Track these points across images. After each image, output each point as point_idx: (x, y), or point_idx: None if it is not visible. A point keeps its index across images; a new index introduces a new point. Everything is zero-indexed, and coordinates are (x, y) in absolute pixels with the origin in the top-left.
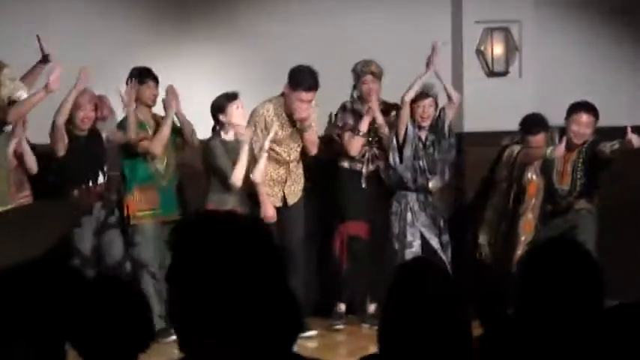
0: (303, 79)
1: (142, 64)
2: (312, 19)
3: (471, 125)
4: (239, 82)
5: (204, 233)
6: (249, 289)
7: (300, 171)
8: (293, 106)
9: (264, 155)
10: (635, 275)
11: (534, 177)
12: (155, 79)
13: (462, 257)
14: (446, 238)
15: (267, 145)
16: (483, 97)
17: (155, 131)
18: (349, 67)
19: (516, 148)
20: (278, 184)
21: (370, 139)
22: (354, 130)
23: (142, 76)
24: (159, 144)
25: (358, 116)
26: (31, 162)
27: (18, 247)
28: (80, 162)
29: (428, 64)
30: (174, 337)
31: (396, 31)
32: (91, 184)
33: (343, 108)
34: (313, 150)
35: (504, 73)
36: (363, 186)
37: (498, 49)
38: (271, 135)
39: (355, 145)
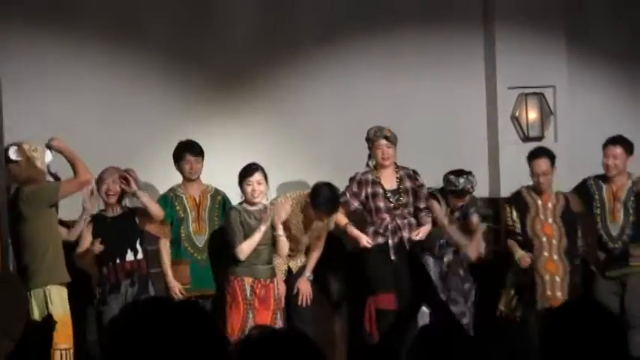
0: (324, 201)
1: (170, 139)
2: (344, 95)
3: (507, 191)
4: (263, 157)
5: (139, 322)
6: None
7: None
8: (311, 217)
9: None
10: None
11: (549, 222)
12: (194, 152)
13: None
14: (471, 299)
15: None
16: (520, 162)
17: (199, 208)
18: None
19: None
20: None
21: (393, 209)
22: (349, 204)
23: (178, 153)
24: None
25: (369, 185)
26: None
27: None
28: (107, 242)
29: None
30: None
31: (431, 98)
32: (118, 261)
33: (351, 179)
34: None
35: (540, 138)
36: (392, 258)
37: (533, 114)
38: (280, 222)
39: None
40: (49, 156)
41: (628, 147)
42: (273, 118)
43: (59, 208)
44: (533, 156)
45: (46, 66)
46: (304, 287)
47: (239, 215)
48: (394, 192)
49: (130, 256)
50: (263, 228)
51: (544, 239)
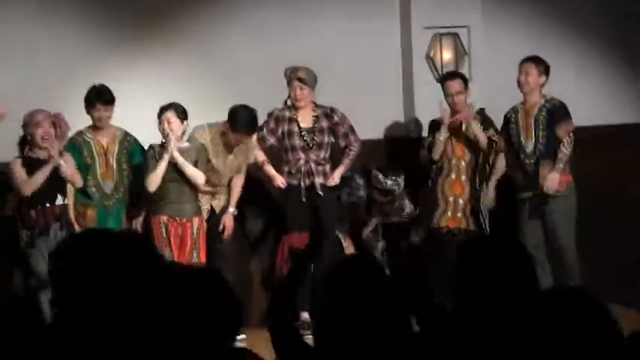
0: (241, 122)
1: (89, 79)
2: (260, 33)
3: (422, 131)
4: (181, 98)
5: (80, 254)
6: (136, 302)
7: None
8: (232, 143)
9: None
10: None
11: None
12: (102, 101)
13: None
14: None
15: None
16: (434, 102)
17: (106, 154)
18: None
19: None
20: (205, 197)
21: (308, 148)
22: (265, 140)
23: (88, 100)
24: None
25: (285, 122)
26: None
27: None
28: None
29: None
30: None
31: (345, 37)
32: (48, 205)
33: (269, 114)
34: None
35: None
36: (304, 200)
37: (447, 54)
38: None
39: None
40: None
41: (542, 66)
42: (191, 58)
43: None
44: (445, 79)
45: None
46: (230, 223)
47: (154, 152)
48: (309, 130)
49: (59, 200)
50: (166, 157)
51: (453, 161)
